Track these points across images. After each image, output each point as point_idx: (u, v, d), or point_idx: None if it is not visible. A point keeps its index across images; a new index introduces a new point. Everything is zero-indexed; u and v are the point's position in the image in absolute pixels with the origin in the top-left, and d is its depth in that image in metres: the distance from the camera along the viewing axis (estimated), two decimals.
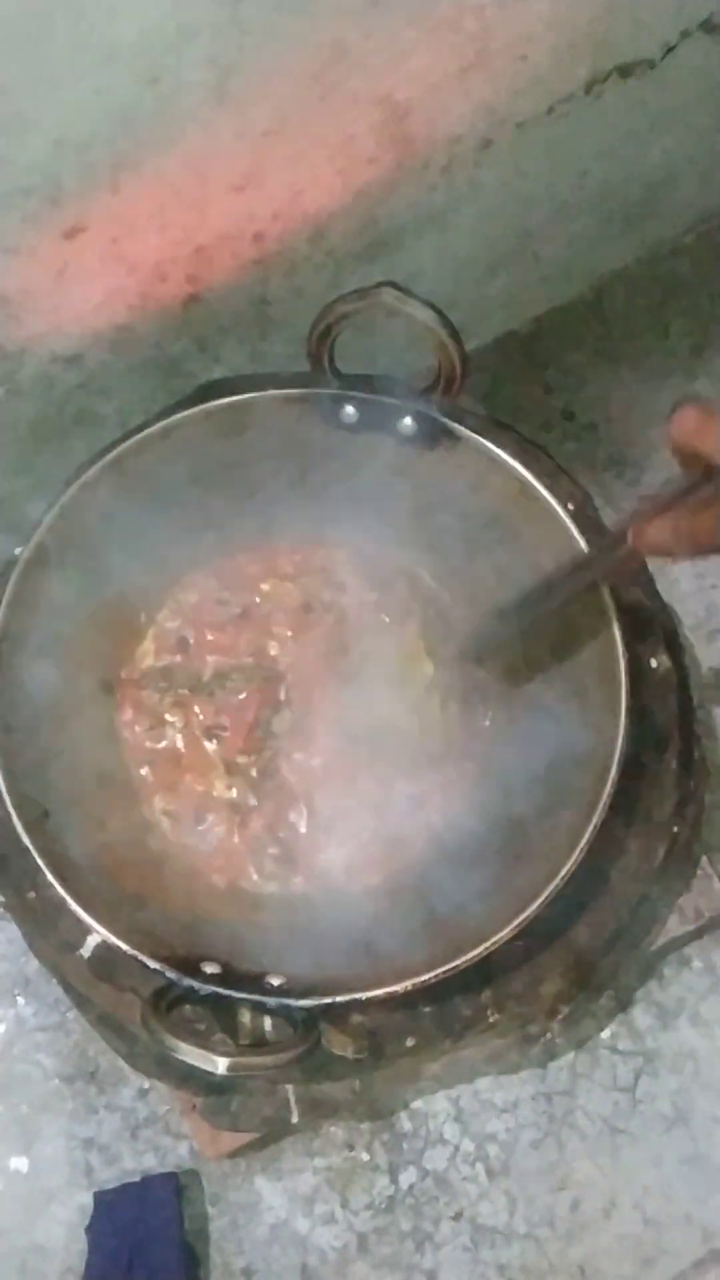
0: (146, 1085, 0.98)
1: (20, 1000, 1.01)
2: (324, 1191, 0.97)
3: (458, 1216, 0.96)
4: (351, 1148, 0.97)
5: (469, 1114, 0.98)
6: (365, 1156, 0.97)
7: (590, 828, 0.78)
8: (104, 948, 0.82)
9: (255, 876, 0.90)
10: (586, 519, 0.90)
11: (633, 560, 0.77)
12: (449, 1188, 0.97)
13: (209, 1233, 0.96)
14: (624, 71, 0.90)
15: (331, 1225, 0.96)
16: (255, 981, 0.77)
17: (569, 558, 0.83)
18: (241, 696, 0.93)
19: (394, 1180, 0.97)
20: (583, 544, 0.84)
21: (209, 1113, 0.90)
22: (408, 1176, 0.97)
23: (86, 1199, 0.95)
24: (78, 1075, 1.00)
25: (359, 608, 0.96)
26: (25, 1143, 0.98)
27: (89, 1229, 0.93)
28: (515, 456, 0.86)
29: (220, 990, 0.75)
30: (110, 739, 0.93)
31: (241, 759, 0.92)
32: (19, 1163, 0.98)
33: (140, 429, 0.86)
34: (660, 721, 0.90)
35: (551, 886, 0.77)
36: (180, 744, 0.93)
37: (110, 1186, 0.95)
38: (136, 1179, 0.95)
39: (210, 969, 0.77)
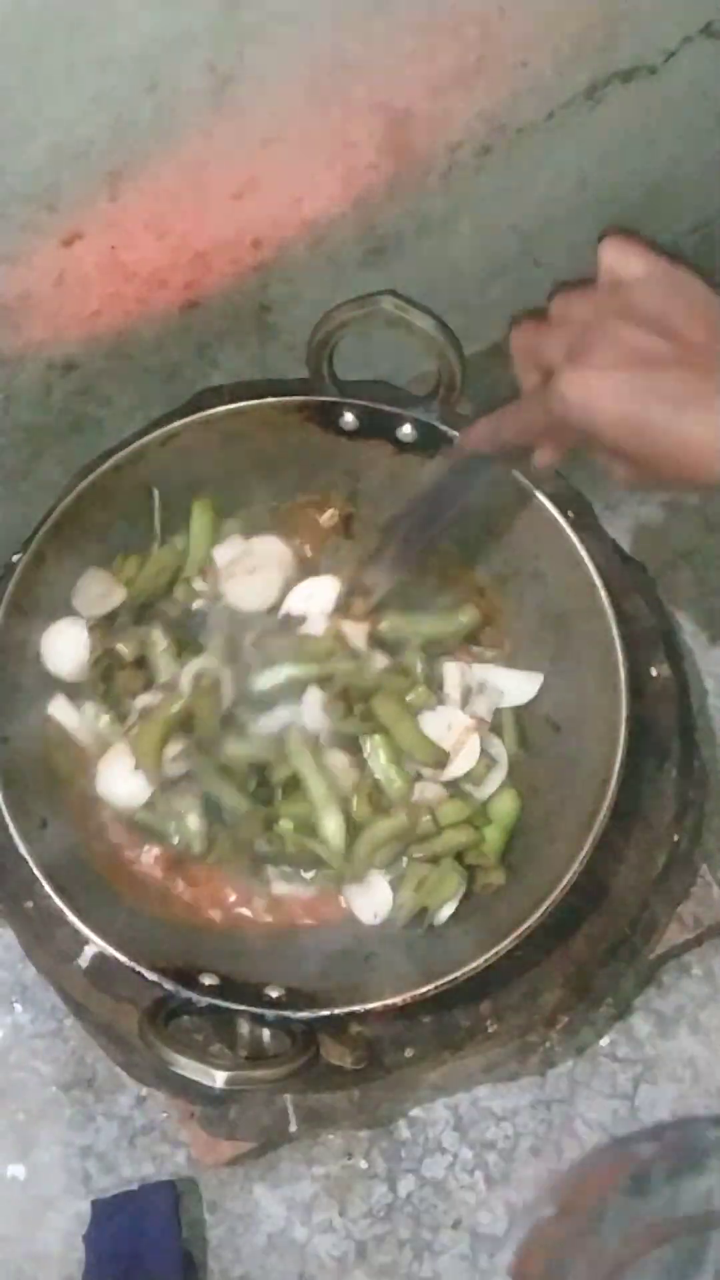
0: (144, 1093, 0.98)
1: (18, 1007, 1.01)
2: (322, 1200, 0.97)
3: (456, 1225, 0.96)
4: (350, 1156, 0.97)
5: (468, 1122, 0.98)
6: (364, 1165, 0.97)
7: (590, 838, 0.78)
8: (102, 958, 0.82)
9: None
10: (586, 525, 0.89)
11: (465, 455, 0.80)
12: (448, 1196, 0.96)
13: (207, 1241, 0.96)
14: (625, 77, 0.90)
15: (330, 1233, 0.96)
16: (254, 993, 0.77)
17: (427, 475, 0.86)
18: None
19: (392, 1188, 0.97)
20: (582, 550, 0.84)
21: (207, 1121, 0.90)
22: (406, 1185, 0.97)
23: (84, 1207, 0.94)
24: (75, 1083, 0.99)
25: None
26: (22, 1150, 0.98)
27: (86, 1237, 0.92)
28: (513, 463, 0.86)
29: (218, 1002, 0.75)
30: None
31: None
32: (16, 1170, 0.98)
33: (139, 436, 0.86)
34: (660, 730, 0.90)
35: (551, 897, 0.77)
36: None
37: (108, 1194, 0.94)
38: (134, 1187, 0.95)
39: (208, 980, 0.77)
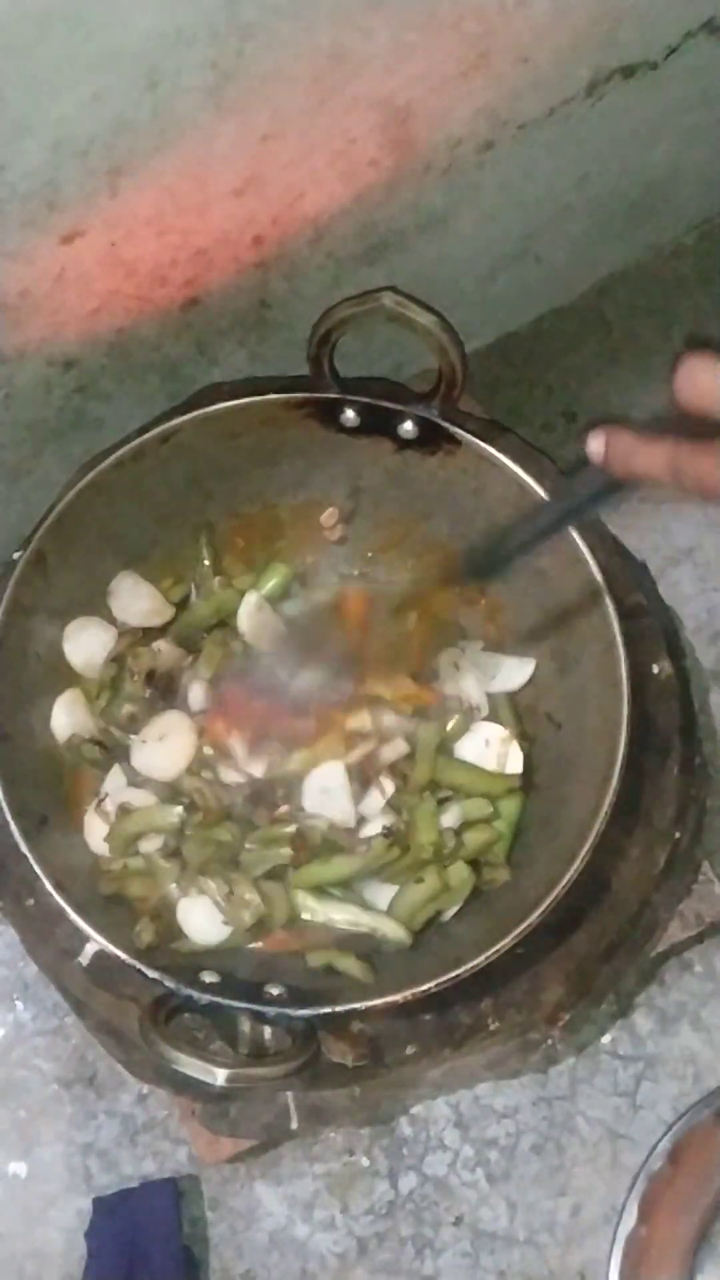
0: (145, 1091, 0.98)
1: (19, 1005, 1.01)
2: (324, 1197, 0.97)
3: (458, 1222, 0.96)
4: (351, 1153, 0.97)
5: (469, 1119, 0.98)
6: (365, 1162, 0.97)
7: (591, 835, 0.78)
8: (102, 956, 0.81)
9: None
10: (587, 522, 0.89)
11: (614, 488, 0.68)
12: (449, 1193, 0.96)
13: (208, 1238, 0.96)
14: (626, 73, 0.90)
15: (331, 1231, 0.96)
16: (254, 991, 0.77)
17: (536, 500, 0.82)
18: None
19: (394, 1186, 0.97)
20: (583, 547, 0.84)
21: (208, 1118, 0.90)
22: (408, 1182, 0.97)
23: (85, 1204, 0.94)
24: (76, 1080, 0.99)
25: None
26: (24, 1148, 0.98)
27: (88, 1234, 0.92)
28: (515, 460, 0.86)
29: (219, 1000, 0.75)
30: None
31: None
32: (18, 1168, 0.98)
33: (139, 433, 0.86)
34: (662, 727, 0.90)
35: (552, 895, 0.76)
36: None
37: (109, 1192, 0.94)
38: (135, 1184, 0.95)
39: (209, 978, 0.77)
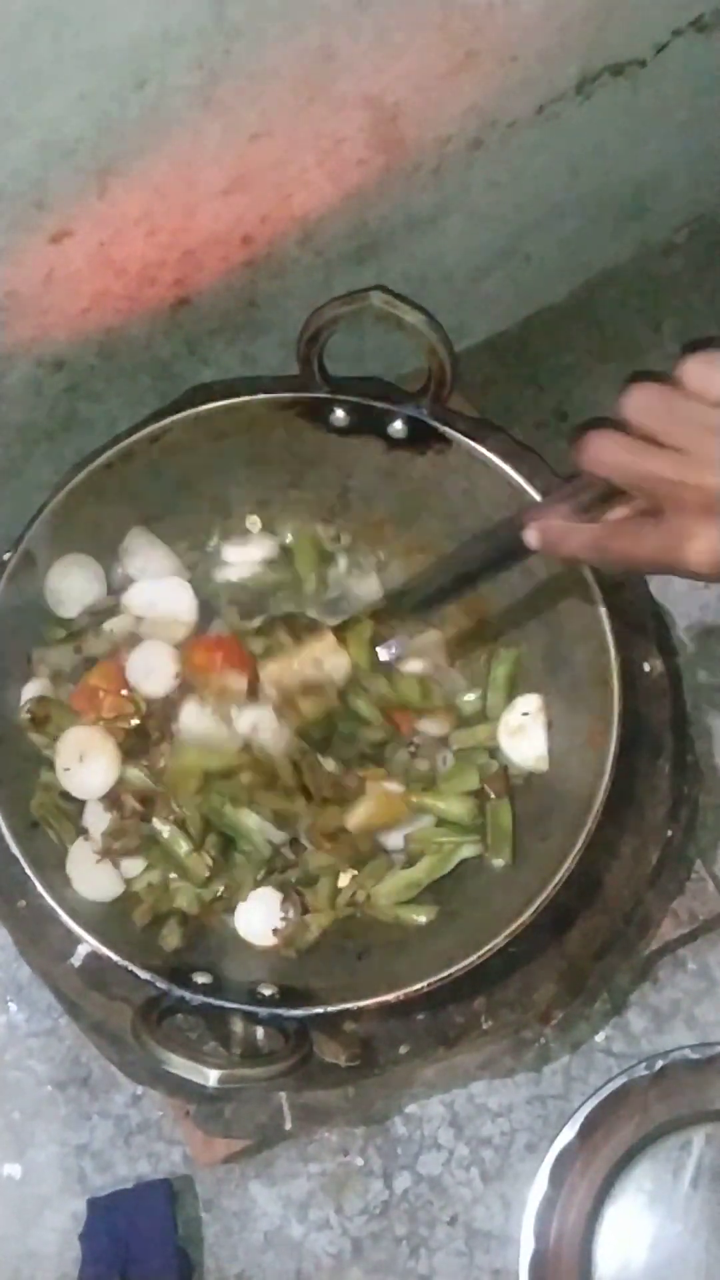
0: (139, 1092, 0.98)
1: (12, 1006, 1.01)
2: (318, 1197, 0.97)
3: (453, 1221, 0.96)
4: (346, 1153, 0.97)
5: (463, 1118, 0.98)
6: (359, 1162, 0.97)
7: (583, 833, 0.78)
8: (94, 957, 0.81)
9: None
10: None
11: (526, 553, 0.72)
12: (444, 1192, 0.97)
13: (203, 1239, 0.96)
14: (615, 71, 0.89)
15: (326, 1231, 0.96)
16: (247, 991, 0.77)
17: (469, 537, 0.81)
18: None
19: (388, 1185, 0.97)
20: None
21: (202, 1119, 0.90)
22: (402, 1181, 0.97)
23: (80, 1206, 0.94)
24: (70, 1081, 0.99)
25: None
26: (18, 1149, 0.98)
27: (82, 1236, 0.92)
28: (506, 459, 0.85)
29: (211, 1000, 0.75)
30: None
31: None
32: (12, 1169, 0.98)
33: (130, 433, 0.86)
34: (653, 725, 0.90)
35: (544, 894, 0.76)
36: None
37: (104, 1193, 0.94)
38: (130, 1185, 0.95)
39: (202, 979, 0.77)
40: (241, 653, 0.86)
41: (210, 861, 0.84)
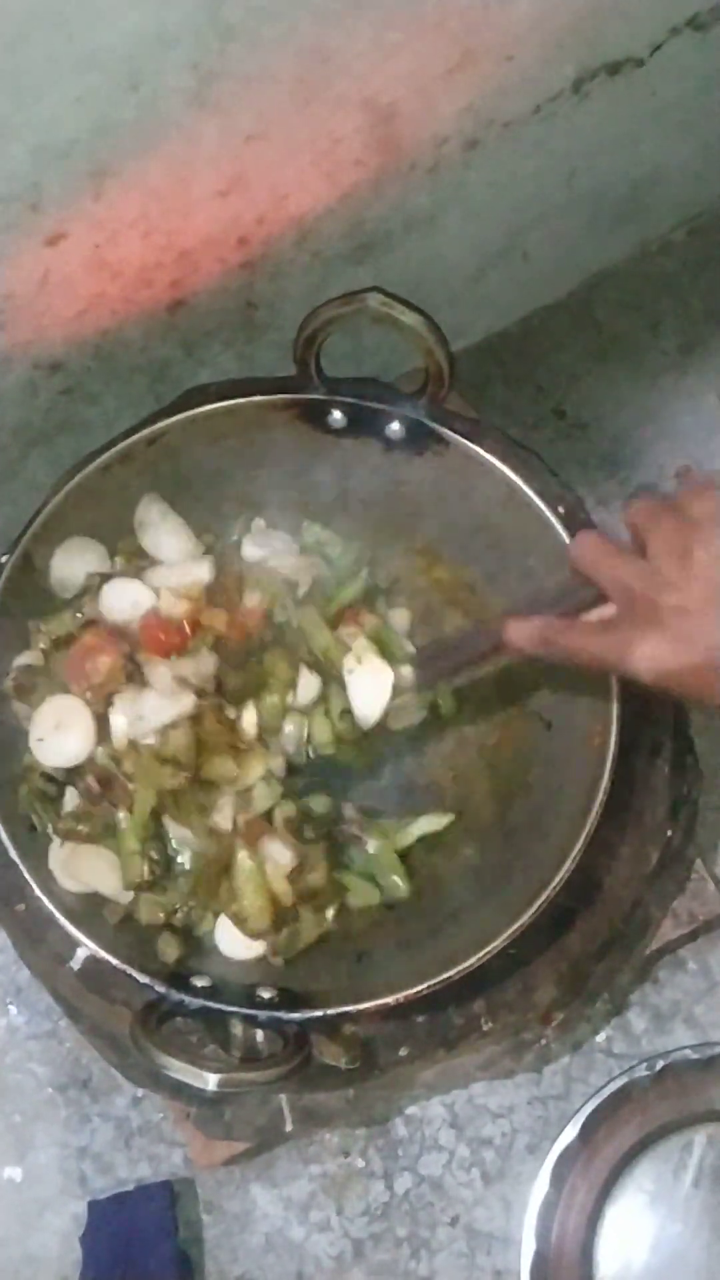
0: (140, 1094, 0.98)
1: (12, 1009, 1.01)
2: (319, 1198, 0.96)
3: (454, 1222, 0.96)
4: (346, 1154, 0.97)
5: (464, 1119, 0.98)
6: (360, 1163, 0.97)
7: (583, 834, 0.78)
8: (93, 960, 0.81)
9: None
10: (577, 521, 0.89)
11: (502, 653, 0.79)
12: (445, 1193, 0.96)
13: (204, 1241, 0.96)
14: (612, 70, 0.89)
15: (327, 1232, 0.96)
16: (246, 994, 0.77)
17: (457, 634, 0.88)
18: None
19: (389, 1186, 0.97)
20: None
21: (203, 1122, 0.90)
22: (403, 1182, 0.97)
23: (80, 1208, 0.94)
24: (71, 1084, 0.99)
25: None
26: (19, 1152, 0.98)
27: (83, 1238, 0.92)
28: (503, 460, 0.85)
29: (210, 1004, 0.75)
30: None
31: None
32: (12, 1172, 0.98)
33: (126, 435, 0.86)
34: (653, 725, 0.90)
35: (544, 895, 0.76)
36: None
37: (104, 1196, 0.94)
38: (130, 1188, 0.95)
39: (200, 982, 0.76)
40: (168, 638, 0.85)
41: (148, 867, 0.81)
